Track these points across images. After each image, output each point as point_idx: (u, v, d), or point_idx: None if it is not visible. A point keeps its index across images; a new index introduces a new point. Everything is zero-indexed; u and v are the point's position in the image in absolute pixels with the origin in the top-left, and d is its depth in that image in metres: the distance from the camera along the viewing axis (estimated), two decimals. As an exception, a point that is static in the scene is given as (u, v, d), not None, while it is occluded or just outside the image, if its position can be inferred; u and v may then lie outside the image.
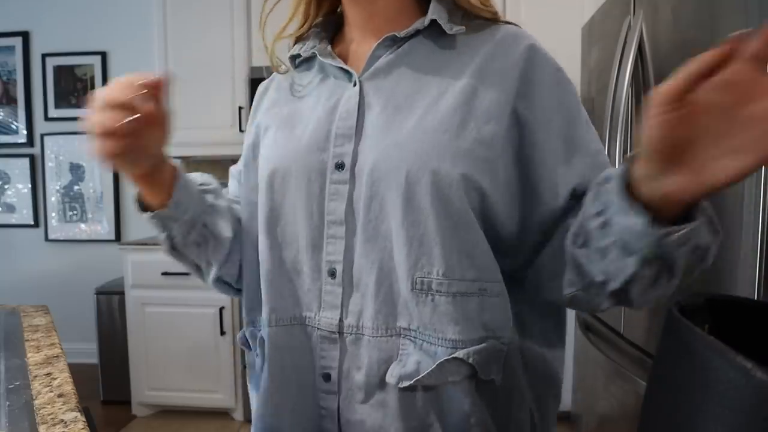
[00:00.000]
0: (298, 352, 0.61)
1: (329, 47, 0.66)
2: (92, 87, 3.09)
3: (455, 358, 0.55)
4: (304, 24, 0.69)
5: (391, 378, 0.56)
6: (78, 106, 3.11)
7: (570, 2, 2.39)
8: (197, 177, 0.68)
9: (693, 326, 0.49)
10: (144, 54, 2.85)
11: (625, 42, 1.41)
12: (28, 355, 0.78)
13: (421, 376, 0.54)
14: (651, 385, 0.55)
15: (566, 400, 2.17)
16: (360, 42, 0.66)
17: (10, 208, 3.22)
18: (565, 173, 0.58)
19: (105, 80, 3.08)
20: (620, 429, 1.49)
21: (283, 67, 0.70)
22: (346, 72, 0.63)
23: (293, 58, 0.69)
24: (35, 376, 0.69)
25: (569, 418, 2.09)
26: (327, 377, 0.59)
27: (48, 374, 0.70)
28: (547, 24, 2.41)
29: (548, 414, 0.66)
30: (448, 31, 0.60)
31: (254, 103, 0.74)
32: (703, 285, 1.10)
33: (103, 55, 3.06)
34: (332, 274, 0.59)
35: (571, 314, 2.06)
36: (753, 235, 0.96)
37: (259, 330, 0.66)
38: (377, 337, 0.57)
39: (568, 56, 2.28)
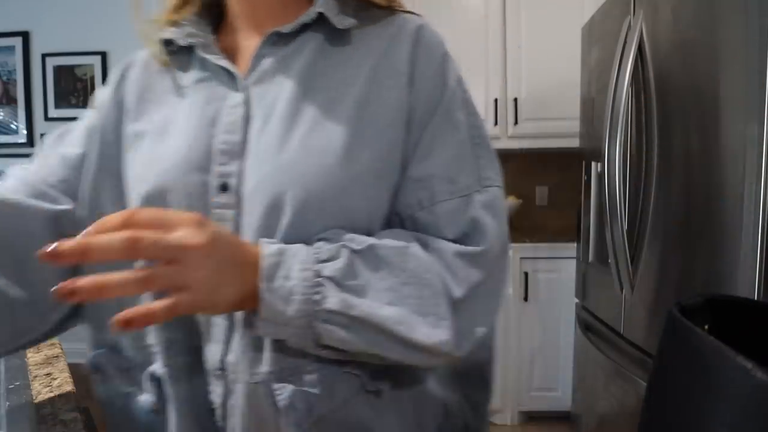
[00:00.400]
0: (197, 388, 0.52)
1: (213, 38, 0.57)
2: (92, 87, 3.09)
3: (345, 373, 0.50)
4: (183, 4, 0.58)
5: (288, 428, 0.48)
6: (78, 106, 3.11)
7: (570, 2, 2.39)
8: None
9: (693, 326, 0.49)
10: (144, 54, 2.84)
11: (625, 42, 1.41)
12: (28, 355, 0.78)
13: (307, 407, 0.48)
14: (651, 385, 0.55)
15: (566, 400, 2.18)
16: (246, 35, 0.57)
17: (10, 208, 3.22)
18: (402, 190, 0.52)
19: (105, 80, 3.07)
20: (620, 429, 1.49)
21: (163, 58, 0.58)
22: (230, 73, 0.54)
23: (167, 44, 0.57)
24: (35, 376, 0.69)
25: (569, 418, 2.09)
26: (212, 412, 0.52)
27: (48, 374, 0.70)
28: (547, 24, 2.42)
29: (482, 413, 0.61)
30: (337, 26, 0.53)
31: (116, 78, 0.61)
32: (703, 285, 1.10)
33: (103, 55, 3.06)
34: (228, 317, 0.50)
35: (571, 314, 2.06)
36: (753, 235, 0.96)
37: (133, 360, 0.55)
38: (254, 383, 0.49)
39: (568, 56, 2.29)
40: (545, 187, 2.82)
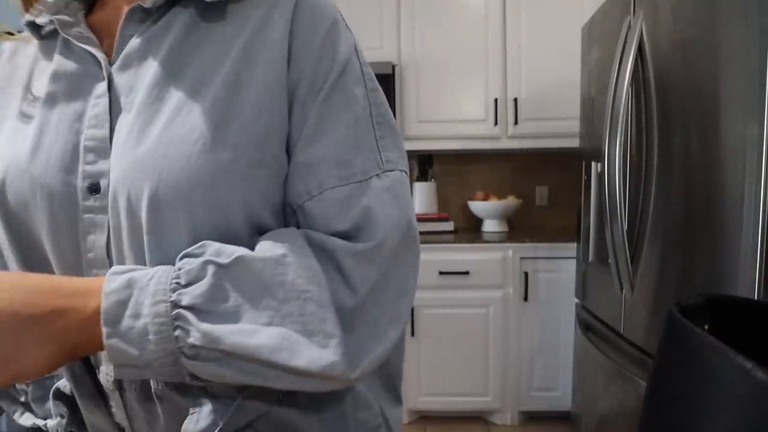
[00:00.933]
0: (95, 406, 0.48)
1: (81, 13, 0.50)
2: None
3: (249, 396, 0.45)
4: None
5: None
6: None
7: (570, 2, 2.39)
8: None
9: (693, 326, 0.49)
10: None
11: (625, 42, 1.41)
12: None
13: (221, 425, 0.43)
14: (651, 385, 0.55)
15: (566, 400, 2.18)
16: (117, 9, 0.50)
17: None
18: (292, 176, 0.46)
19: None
20: (620, 429, 1.49)
21: (28, 46, 0.52)
22: (93, 57, 0.47)
23: (33, 27, 0.51)
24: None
25: (569, 418, 2.09)
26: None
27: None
28: (547, 24, 2.42)
29: (393, 417, 0.55)
30: None
31: None
32: (703, 285, 1.10)
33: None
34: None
35: (571, 314, 2.06)
36: (753, 235, 0.96)
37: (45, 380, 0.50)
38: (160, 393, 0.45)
39: (568, 56, 2.29)
40: (545, 187, 2.82)
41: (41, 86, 0.49)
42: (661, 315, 1.01)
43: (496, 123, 2.47)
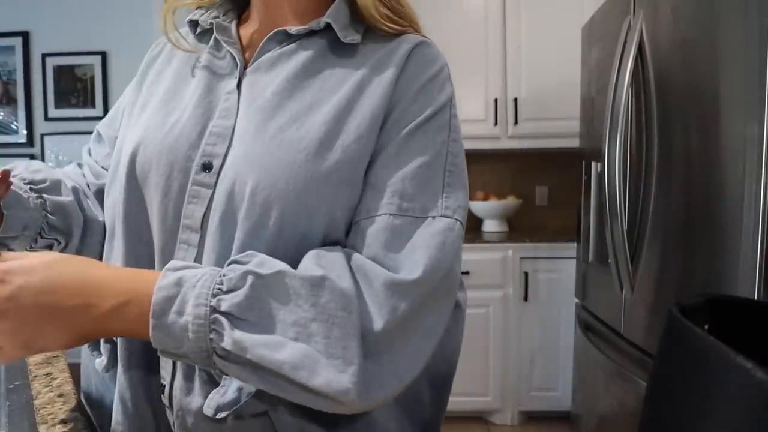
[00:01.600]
0: (147, 359, 0.53)
1: (234, 23, 0.59)
2: (92, 87, 3.08)
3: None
4: None
5: (208, 410, 0.48)
6: (78, 105, 3.11)
7: (570, 2, 2.39)
8: (26, 174, 0.59)
9: (693, 326, 0.49)
10: (144, 54, 2.85)
11: (625, 42, 1.41)
12: (28, 355, 0.78)
13: (242, 403, 0.47)
14: (651, 385, 0.55)
15: (566, 400, 2.18)
16: (261, 29, 0.58)
17: (10, 208, 3.22)
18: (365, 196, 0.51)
19: (105, 80, 3.08)
20: (620, 429, 1.49)
21: (182, 40, 0.60)
22: (234, 60, 0.56)
23: (193, 24, 0.61)
24: (35, 376, 0.69)
25: (569, 418, 2.09)
26: (162, 390, 0.53)
27: (48, 374, 0.70)
28: (547, 24, 2.42)
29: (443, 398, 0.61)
30: (342, 39, 0.54)
31: (145, 64, 0.65)
32: (703, 285, 1.10)
33: (103, 55, 3.05)
34: None
35: (571, 314, 2.07)
36: (753, 235, 0.96)
37: None
38: None
39: (568, 56, 2.29)
40: (545, 187, 2.82)
41: (189, 72, 0.58)
42: (661, 315, 1.01)
43: (496, 123, 2.47)
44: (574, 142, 2.04)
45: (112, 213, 0.57)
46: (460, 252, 0.50)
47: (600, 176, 1.56)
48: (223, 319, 0.42)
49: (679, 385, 0.49)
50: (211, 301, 0.42)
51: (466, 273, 2.23)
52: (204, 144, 0.52)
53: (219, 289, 0.43)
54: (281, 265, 0.44)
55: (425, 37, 0.58)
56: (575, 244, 2.02)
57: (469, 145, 2.76)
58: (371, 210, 0.49)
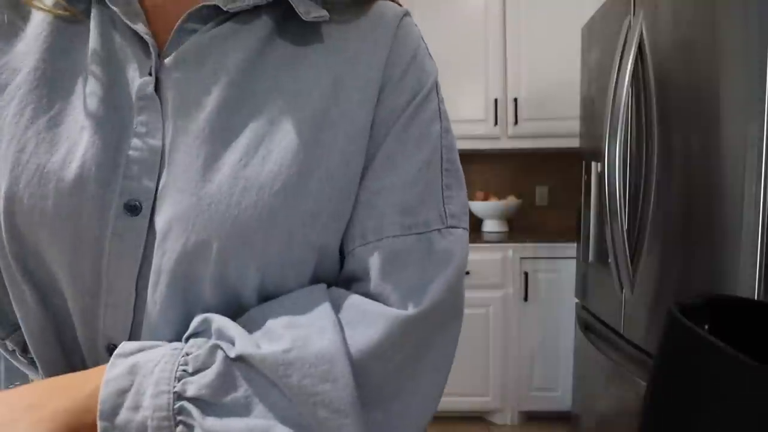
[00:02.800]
0: None
1: None
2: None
3: None
4: None
5: None
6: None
7: (570, 2, 2.39)
8: None
9: (693, 326, 0.49)
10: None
11: (625, 42, 1.41)
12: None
13: None
14: (651, 385, 0.55)
15: (566, 400, 2.18)
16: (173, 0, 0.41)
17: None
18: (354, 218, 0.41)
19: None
20: (620, 429, 1.49)
21: None
22: (142, 42, 0.39)
23: None
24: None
25: (569, 418, 2.09)
26: None
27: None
28: (547, 24, 2.42)
29: None
30: (304, 17, 0.39)
31: None
32: (703, 285, 1.10)
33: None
34: (111, 351, 0.38)
35: (571, 314, 2.06)
36: (753, 235, 0.96)
37: None
38: None
39: (568, 56, 2.29)
40: (545, 187, 2.82)
41: (61, 64, 0.39)
42: (661, 315, 1.01)
43: (496, 123, 2.47)
44: (574, 142, 2.04)
45: None
46: (466, 262, 0.43)
47: (600, 176, 1.56)
48: (191, 407, 0.33)
49: (679, 385, 0.49)
50: (174, 386, 0.33)
51: (466, 273, 2.23)
52: (122, 177, 0.37)
53: (184, 370, 0.34)
54: (241, 344, 0.35)
55: (397, 2, 0.46)
56: (575, 244, 2.02)
57: (469, 145, 2.75)
58: (368, 233, 0.40)
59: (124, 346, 0.36)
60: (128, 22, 0.38)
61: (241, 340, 0.35)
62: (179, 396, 0.34)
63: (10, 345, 0.47)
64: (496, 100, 2.46)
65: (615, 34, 1.49)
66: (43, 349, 0.42)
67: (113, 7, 0.38)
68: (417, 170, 0.41)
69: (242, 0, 0.39)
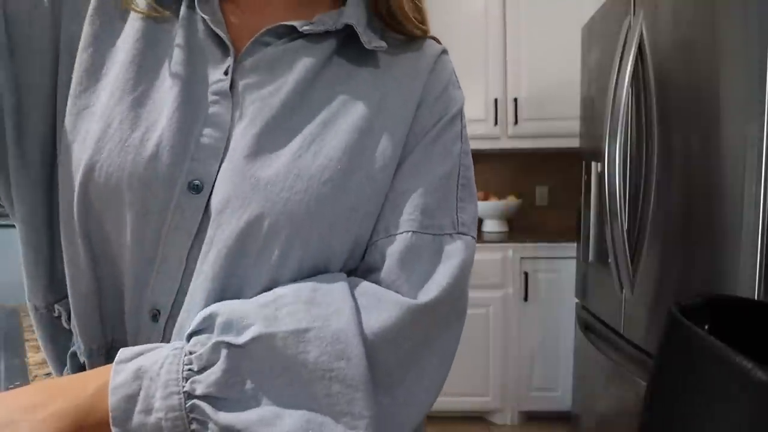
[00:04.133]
0: None
1: None
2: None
3: None
4: None
5: None
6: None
7: (570, 2, 2.39)
8: None
9: (693, 326, 0.49)
10: None
11: (625, 42, 1.41)
12: (28, 355, 0.78)
13: None
14: (651, 385, 0.55)
15: (566, 400, 2.18)
16: (250, 13, 0.48)
17: (10, 208, 3.22)
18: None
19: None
20: (620, 429, 1.49)
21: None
22: (222, 46, 0.45)
23: None
24: (35, 376, 0.69)
25: (569, 418, 2.09)
26: None
27: (48, 374, 0.70)
28: (547, 24, 2.42)
29: None
30: (366, 45, 0.46)
31: (74, 13, 0.45)
32: (703, 285, 1.10)
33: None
34: (154, 317, 0.43)
35: (571, 314, 2.07)
36: (753, 235, 0.96)
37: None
38: None
39: (568, 56, 2.29)
40: (545, 187, 2.82)
41: (152, 53, 0.44)
42: (661, 315, 1.01)
43: (496, 123, 2.47)
44: (574, 142, 2.04)
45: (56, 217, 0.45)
46: (470, 269, 0.47)
47: (600, 176, 1.56)
48: (203, 404, 0.35)
49: (679, 385, 0.49)
50: (183, 386, 0.35)
51: (466, 273, 2.23)
52: (190, 159, 0.42)
53: (190, 370, 0.36)
54: (256, 326, 0.37)
55: (437, 39, 0.53)
56: (575, 244, 2.02)
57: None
58: (390, 228, 0.44)
59: (124, 352, 0.38)
60: (214, 27, 0.44)
61: (264, 321, 0.38)
62: (189, 395, 0.36)
63: (57, 310, 0.49)
64: (496, 100, 2.46)
65: (615, 34, 1.49)
66: (84, 313, 0.44)
67: (203, 15, 0.45)
68: (438, 180, 0.46)
69: (316, 25, 0.46)
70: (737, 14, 1.01)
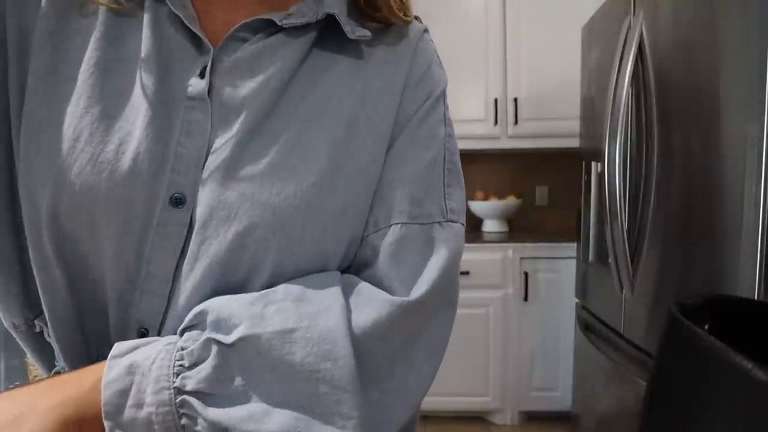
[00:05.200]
0: None
1: None
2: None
3: None
4: None
5: None
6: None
7: (570, 2, 2.39)
8: None
9: (693, 326, 0.49)
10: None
11: (625, 42, 1.41)
12: (29, 355, 0.78)
13: None
14: (651, 385, 0.55)
15: (566, 400, 2.18)
16: (219, 5, 0.44)
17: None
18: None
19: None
20: (620, 429, 1.49)
21: None
22: (196, 44, 0.41)
23: None
24: (35, 376, 0.69)
25: (569, 418, 2.09)
26: None
27: (45, 377, 0.70)
28: (547, 24, 2.42)
29: None
30: (349, 35, 0.44)
31: (17, 27, 0.41)
32: (703, 285, 1.10)
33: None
34: (142, 335, 0.41)
35: (571, 314, 2.06)
36: (753, 235, 0.96)
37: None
38: None
39: (568, 56, 2.29)
40: (545, 187, 2.82)
41: (116, 54, 0.40)
42: (661, 315, 1.01)
43: (496, 123, 2.47)
44: (574, 142, 2.04)
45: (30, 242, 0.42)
46: (460, 257, 0.47)
47: (600, 176, 1.56)
48: (193, 400, 0.36)
49: (679, 385, 0.49)
50: (174, 382, 0.36)
51: (466, 273, 2.23)
52: (170, 171, 0.39)
53: (181, 365, 0.36)
54: (242, 327, 0.37)
55: (418, 18, 0.51)
56: (575, 244, 2.02)
57: (469, 145, 2.75)
58: (379, 221, 0.44)
59: (119, 346, 0.38)
60: (188, 24, 0.41)
61: (250, 321, 0.37)
62: (179, 390, 0.36)
63: (38, 325, 0.48)
64: (496, 100, 2.46)
65: (615, 34, 1.49)
66: (65, 337, 0.43)
67: (173, 9, 0.41)
68: (424, 167, 0.45)
69: (296, 17, 0.43)
70: (737, 14, 1.01)
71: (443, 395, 2.29)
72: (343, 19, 0.45)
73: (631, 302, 1.43)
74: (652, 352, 1.31)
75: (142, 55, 0.40)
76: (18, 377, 0.69)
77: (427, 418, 2.39)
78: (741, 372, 0.41)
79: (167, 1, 0.41)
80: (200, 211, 0.39)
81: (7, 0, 0.40)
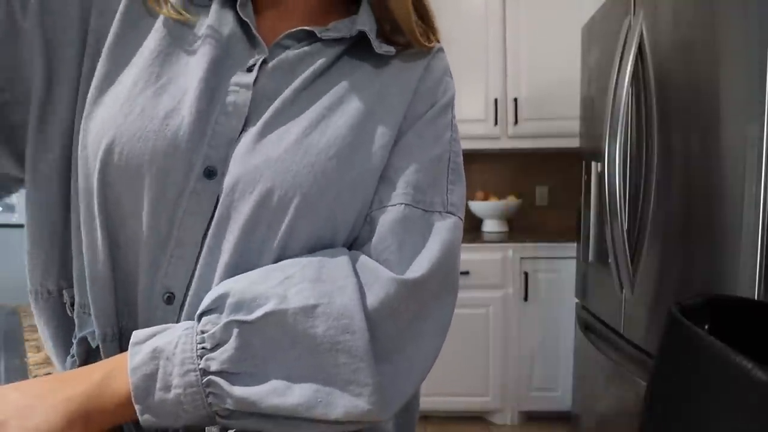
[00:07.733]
0: None
1: None
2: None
3: None
4: None
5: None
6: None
7: (570, 2, 2.39)
8: None
9: (693, 326, 0.49)
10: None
11: (625, 42, 1.41)
12: (28, 355, 0.78)
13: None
14: (652, 385, 0.55)
15: (566, 400, 2.18)
16: (272, 18, 0.52)
17: (10, 208, 3.22)
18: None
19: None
20: (620, 429, 1.49)
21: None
22: (252, 41, 0.48)
23: None
24: (35, 376, 0.69)
25: (569, 418, 2.09)
26: None
27: (48, 374, 0.70)
28: (547, 24, 2.42)
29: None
30: (377, 50, 0.51)
31: (100, 15, 0.47)
32: (703, 285, 1.10)
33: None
34: (168, 300, 0.45)
35: (571, 314, 2.06)
36: (753, 235, 0.96)
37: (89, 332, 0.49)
38: None
39: (568, 56, 2.29)
40: (545, 187, 2.82)
41: (181, 39, 0.47)
42: (661, 315, 1.01)
43: (496, 123, 2.47)
44: (574, 142, 2.04)
45: (74, 200, 0.47)
46: (459, 249, 0.50)
47: (600, 176, 1.56)
48: (219, 379, 0.39)
49: (679, 385, 0.49)
50: (199, 364, 0.39)
51: (466, 273, 2.23)
52: (207, 145, 0.44)
53: (203, 348, 0.39)
54: (269, 303, 0.40)
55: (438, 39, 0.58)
56: (575, 244, 2.02)
57: (469, 145, 2.75)
58: (384, 200, 0.48)
59: (137, 334, 0.41)
60: (253, 29, 0.48)
61: (277, 299, 0.41)
62: (205, 372, 0.39)
63: (67, 296, 0.50)
64: (496, 100, 2.46)
65: (615, 34, 1.49)
66: (101, 298, 0.46)
67: (243, 17, 0.48)
68: (429, 161, 0.50)
69: (333, 31, 0.50)
70: (737, 14, 1.01)
71: (443, 395, 2.29)
72: (372, 36, 0.51)
73: (631, 302, 1.43)
74: (652, 352, 1.31)
75: (200, 48, 0.47)
76: (18, 377, 0.69)
77: (427, 418, 2.39)
78: (741, 372, 0.41)
79: (239, 11, 0.48)
80: (228, 180, 0.44)
81: (93, 2, 0.47)
